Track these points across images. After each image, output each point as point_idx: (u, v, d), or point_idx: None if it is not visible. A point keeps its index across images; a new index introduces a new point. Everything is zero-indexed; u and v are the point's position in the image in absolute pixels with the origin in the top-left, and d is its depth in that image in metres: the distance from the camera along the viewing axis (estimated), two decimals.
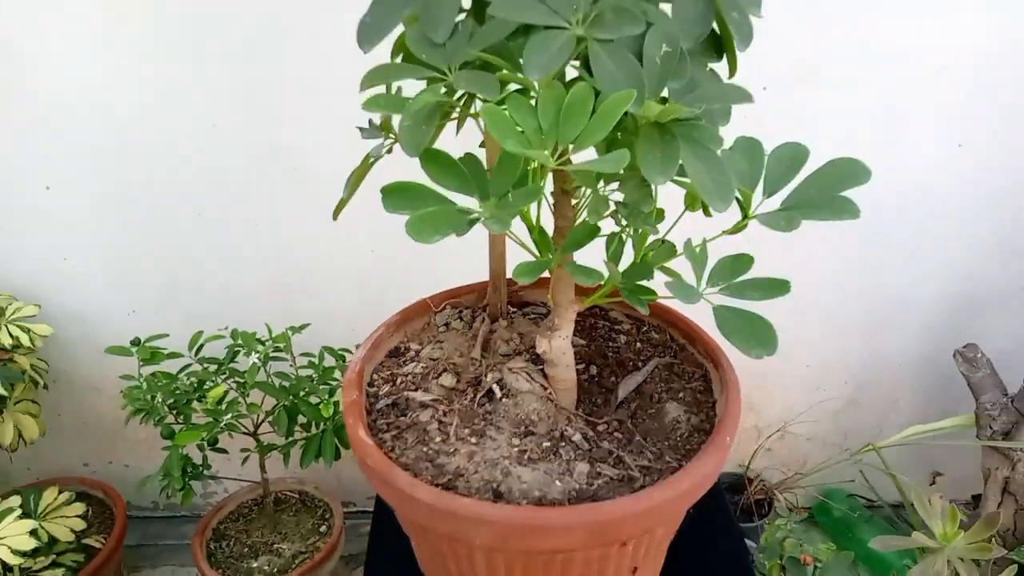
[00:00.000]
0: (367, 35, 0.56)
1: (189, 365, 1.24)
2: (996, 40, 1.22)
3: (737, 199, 0.57)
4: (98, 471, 1.59)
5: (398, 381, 0.65)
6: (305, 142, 1.26)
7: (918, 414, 1.53)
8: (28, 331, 1.26)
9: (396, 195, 0.52)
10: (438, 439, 0.57)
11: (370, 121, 0.69)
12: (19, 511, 1.13)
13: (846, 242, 1.39)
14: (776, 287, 0.54)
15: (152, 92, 1.21)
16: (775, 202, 0.59)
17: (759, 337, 0.51)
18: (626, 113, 0.48)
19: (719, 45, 0.62)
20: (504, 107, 0.48)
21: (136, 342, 1.22)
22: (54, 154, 1.26)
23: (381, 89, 0.57)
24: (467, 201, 0.51)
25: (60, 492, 1.27)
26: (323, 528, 1.38)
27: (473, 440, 0.58)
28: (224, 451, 1.24)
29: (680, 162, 0.49)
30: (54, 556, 1.22)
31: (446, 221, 0.49)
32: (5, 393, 1.23)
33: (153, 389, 1.16)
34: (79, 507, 1.27)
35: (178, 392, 1.18)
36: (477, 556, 0.53)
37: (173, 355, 1.23)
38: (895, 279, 1.42)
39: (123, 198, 1.30)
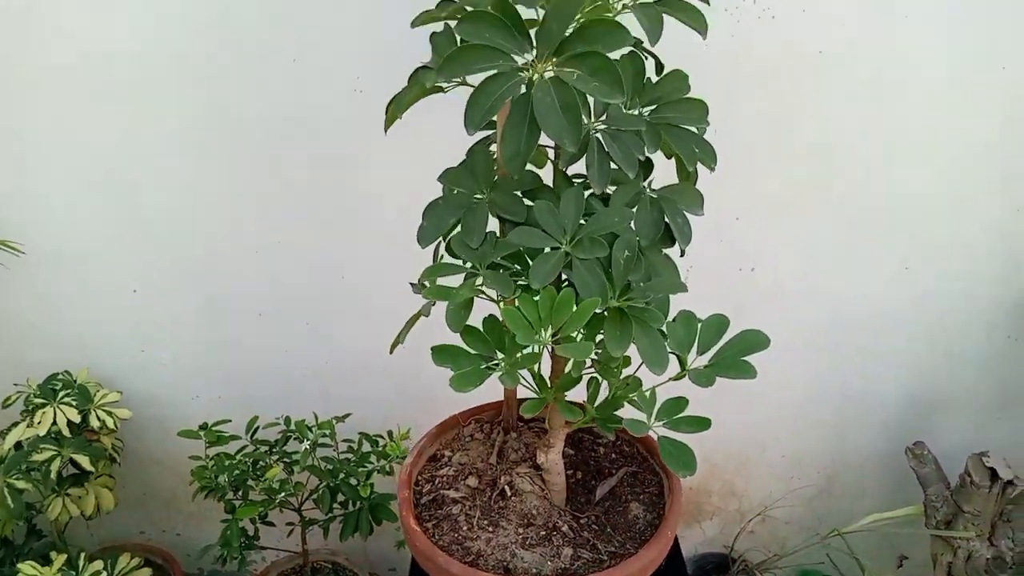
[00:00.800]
0: (424, 236, 0.82)
1: (245, 447, 1.47)
2: (934, 180, 1.46)
3: (677, 356, 0.80)
4: (153, 538, 1.80)
5: (436, 482, 0.88)
6: (353, 256, 1.51)
7: (884, 502, 1.72)
8: (112, 415, 1.50)
9: (442, 353, 0.76)
10: (465, 528, 0.81)
11: (420, 282, 0.94)
12: (104, 573, 1.35)
13: (816, 351, 1.62)
14: (700, 423, 0.77)
15: (230, 213, 1.48)
16: (706, 358, 0.83)
17: (684, 461, 0.74)
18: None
19: (671, 238, 0.86)
20: (516, 304, 0.73)
21: (204, 426, 1.46)
22: (144, 263, 1.52)
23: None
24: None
25: (132, 558, 1.49)
26: None
27: (490, 529, 0.81)
28: (272, 524, 1.47)
29: (631, 338, 0.73)
30: None
31: (477, 377, 0.73)
32: (91, 469, 1.46)
33: (219, 470, 1.39)
34: (147, 572, 1.49)
35: (238, 472, 1.40)
36: None
37: (234, 437, 1.47)
38: (857, 382, 1.64)
39: (197, 300, 1.56)
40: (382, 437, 1.49)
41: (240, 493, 1.41)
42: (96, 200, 1.47)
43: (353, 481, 1.40)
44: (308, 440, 1.39)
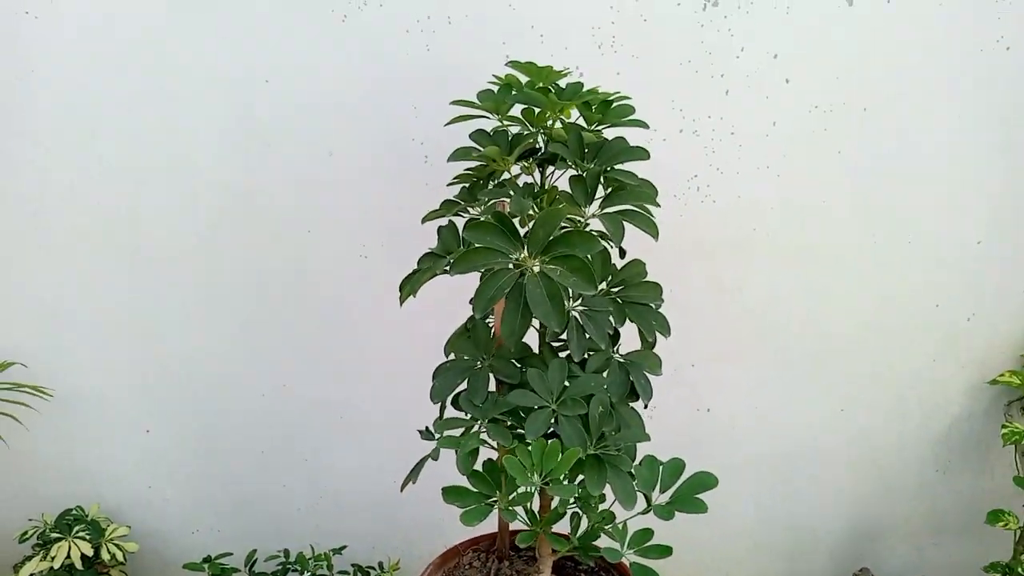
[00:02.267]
0: (436, 394, 1.04)
1: None
2: (858, 333, 1.74)
3: (644, 495, 1.02)
4: None
5: None
6: (350, 397, 1.72)
7: None
8: (121, 548, 1.64)
9: (452, 493, 0.97)
10: None
11: (427, 428, 1.15)
12: None
13: (765, 481, 1.83)
14: (664, 551, 0.97)
15: (241, 360, 1.69)
16: (667, 495, 1.04)
17: None
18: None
19: (636, 394, 1.09)
20: (514, 453, 0.94)
21: (207, 559, 1.60)
22: (158, 404, 1.70)
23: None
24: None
25: None
26: None
27: None
28: None
29: (606, 480, 0.95)
30: None
31: (482, 513, 0.94)
32: None
33: None
34: None
35: None
36: None
37: (234, 570, 1.61)
38: (803, 511, 1.86)
39: (204, 439, 1.74)
40: (373, 568, 1.64)
41: None
42: (118, 349, 1.67)
43: None
44: (308, 572, 1.54)
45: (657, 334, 1.14)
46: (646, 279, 1.17)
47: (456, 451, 0.96)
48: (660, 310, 1.16)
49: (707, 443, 1.79)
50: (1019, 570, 1.53)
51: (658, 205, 1.15)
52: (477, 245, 0.99)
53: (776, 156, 1.62)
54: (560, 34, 1.53)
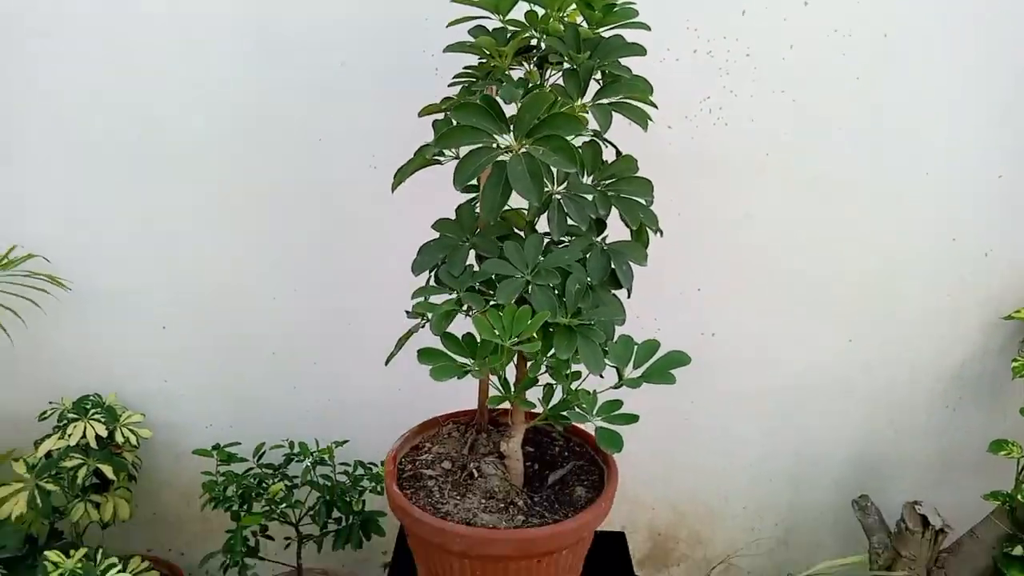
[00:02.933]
0: (417, 267, 1.10)
1: (251, 468, 1.70)
2: (871, 265, 1.74)
3: (616, 369, 1.06)
4: (158, 556, 2.00)
5: (416, 463, 1.13)
6: (359, 306, 1.79)
7: (839, 552, 1.92)
8: (135, 433, 1.75)
9: (426, 355, 1.03)
10: (437, 496, 1.05)
11: (413, 308, 1.21)
12: (119, 565, 1.56)
13: (771, 411, 1.86)
14: (629, 418, 1.02)
15: (254, 264, 1.77)
16: (640, 372, 1.09)
17: (614, 442, 0.99)
18: (549, 321, 0.99)
19: (617, 281, 1.13)
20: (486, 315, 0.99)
21: (216, 446, 1.70)
22: (174, 303, 1.80)
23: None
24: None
25: (142, 561, 1.70)
26: None
27: (458, 498, 1.05)
28: (271, 538, 1.69)
29: (576, 347, 1.00)
30: None
31: (453, 369, 0.99)
32: (113, 479, 1.70)
33: (228, 482, 1.62)
34: (155, 574, 1.70)
35: (245, 486, 1.64)
36: (454, 560, 0.99)
37: (242, 459, 1.71)
38: (809, 442, 1.88)
39: (218, 338, 1.83)
40: (375, 465, 1.72)
41: (245, 506, 1.63)
42: (137, 247, 1.76)
43: (348, 498, 1.63)
44: (309, 459, 1.63)
45: (649, 232, 1.17)
46: (637, 175, 1.19)
47: (430, 315, 1.02)
48: (651, 207, 1.19)
49: (711, 369, 1.82)
50: (1019, 497, 1.54)
51: (653, 105, 1.18)
52: (462, 124, 1.04)
53: (792, 80, 1.63)
54: None
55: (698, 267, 1.76)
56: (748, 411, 1.86)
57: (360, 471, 1.69)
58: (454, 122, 1.05)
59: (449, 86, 1.32)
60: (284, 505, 1.61)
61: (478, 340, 1.03)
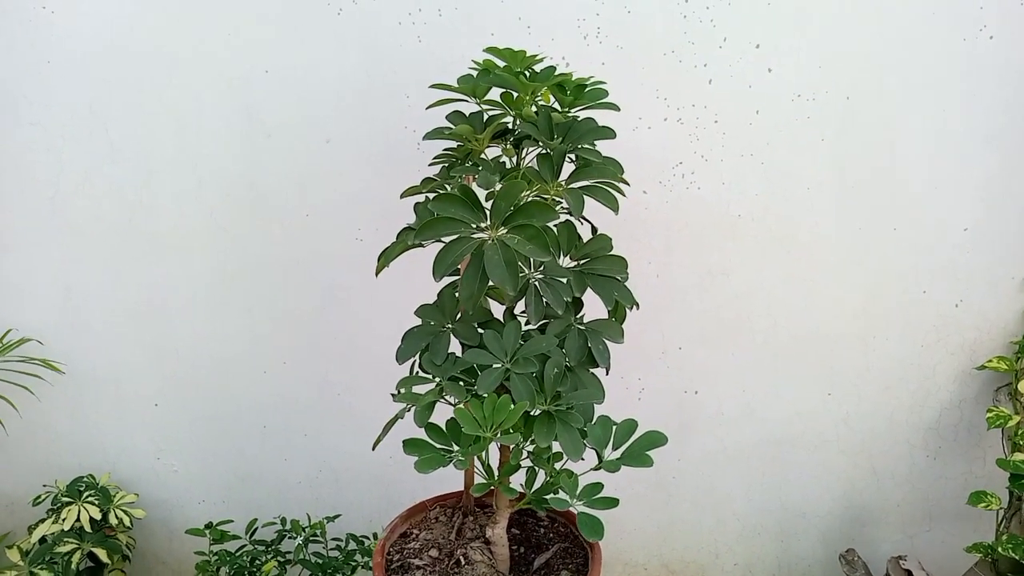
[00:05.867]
0: (401, 355, 1.10)
1: (245, 546, 1.68)
2: (845, 321, 1.75)
3: (596, 451, 1.07)
4: None
5: (404, 552, 1.12)
6: (348, 377, 1.79)
7: None
8: (128, 514, 1.73)
9: (412, 446, 1.03)
10: None
11: (396, 392, 1.21)
12: None
13: (755, 466, 1.85)
14: (609, 502, 1.02)
15: (245, 339, 1.77)
16: (618, 453, 1.09)
17: (595, 529, 0.98)
18: (527, 411, 0.99)
19: (594, 360, 1.14)
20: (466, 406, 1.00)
21: (209, 525, 1.68)
22: (166, 381, 1.80)
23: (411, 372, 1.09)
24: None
25: None
26: None
27: None
28: None
29: (555, 434, 1.00)
30: None
31: (437, 461, 0.99)
32: (108, 562, 1.67)
33: (222, 561, 1.60)
34: None
35: (237, 566, 1.62)
36: None
37: (235, 536, 1.69)
38: (794, 495, 1.87)
39: (210, 414, 1.82)
40: (367, 538, 1.70)
41: None
42: (130, 328, 1.77)
43: (339, 575, 1.61)
44: (301, 536, 1.61)
45: (626, 308, 1.19)
46: (611, 252, 1.21)
47: (414, 407, 1.02)
48: (627, 284, 1.20)
49: (695, 427, 1.82)
50: (999, 549, 1.53)
51: (625, 182, 1.20)
52: (442, 215, 1.05)
53: (760, 144, 1.66)
54: (547, 26, 1.58)
55: (678, 326, 1.77)
56: (733, 467, 1.86)
57: (352, 545, 1.68)
58: (435, 213, 1.07)
59: (430, 165, 1.34)
60: None
61: (461, 428, 1.03)
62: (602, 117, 1.23)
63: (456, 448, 1.01)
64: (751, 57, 1.60)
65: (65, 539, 1.64)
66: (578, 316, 1.17)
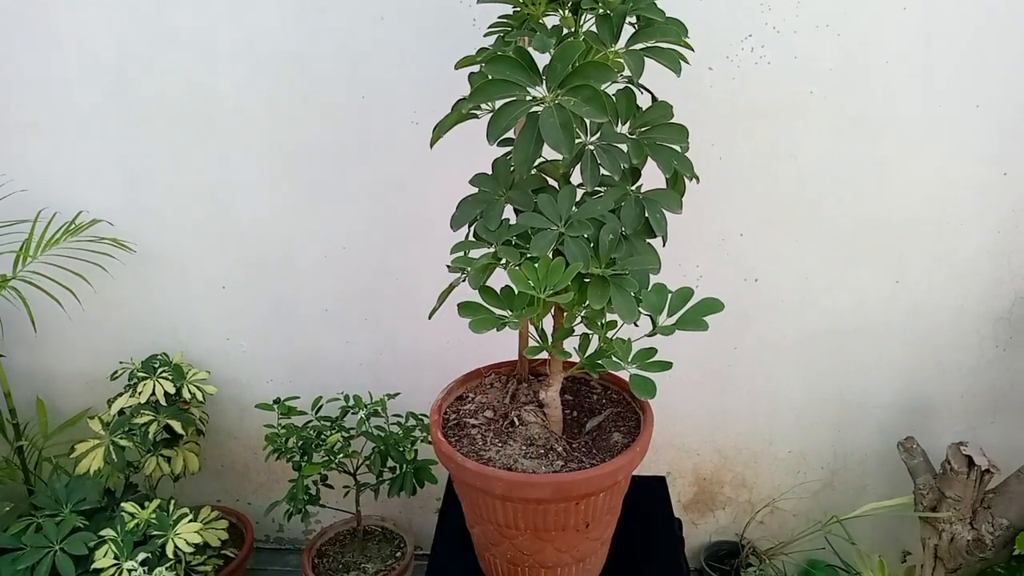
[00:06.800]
0: (456, 222, 1.10)
1: (310, 421, 1.75)
2: (918, 206, 1.67)
3: (651, 317, 1.06)
4: (227, 506, 2.09)
5: (460, 412, 1.15)
6: (406, 262, 1.80)
7: (884, 495, 1.90)
8: (201, 389, 1.81)
9: (465, 308, 1.03)
10: (480, 443, 1.07)
11: (452, 263, 1.21)
12: (191, 515, 1.63)
13: (815, 356, 1.82)
14: (663, 365, 1.01)
15: (305, 224, 1.79)
16: (674, 319, 1.07)
17: (647, 389, 0.98)
18: (582, 272, 0.98)
19: (652, 230, 1.11)
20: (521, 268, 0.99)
21: (277, 400, 1.75)
22: (232, 264, 1.84)
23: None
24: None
25: (212, 511, 1.78)
26: (398, 554, 1.84)
27: (500, 445, 1.06)
28: (331, 486, 1.75)
29: (609, 297, 0.99)
30: (206, 556, 1.72)
31: (491, 322, 1.00)
32: (182, 433, 1.77)
33: (290, 434, 1.67)
34: (224, 523, 1.78)
35: (305, 438, 1.69)
36: (496, 503, 1.01)
37: (301, 412, 1.76)
38: (854, 386, 1.84)
39: (274, 297, 1.87)
40: (426, 416, 1.75)
41: (305, 457, 1.69)
42: (196, 211, 1.80)
43: (400, 448, 1.67)
44: (364, 411, 1.67)
45: (686, 180, 1.15)
46: (672, 121, 1.16)
47: (469, 271, 1.02)
48: (687, 154, 1.16)
49: (755, 314, 1.80)
50: None
51: (689, 47, 1.14)
52: (495, 78, 1.02)
53: (837, 13, 1.56)
54: None
55: (740, 212, 1.72)
56: (792, 356, 1.83)
57: (412, 422, 1.73)
58: (488, 76, 1.04)
59: (485, 36, 1.30)
60: (341, 455, 1.65)
61: (515, 292, 1.03)
62: None
63: (510, 312, 1.01)
64: None
65: (142, 411, 1.73)
66: (635, 185, 1.15)
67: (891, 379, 1.83)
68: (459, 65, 1.27)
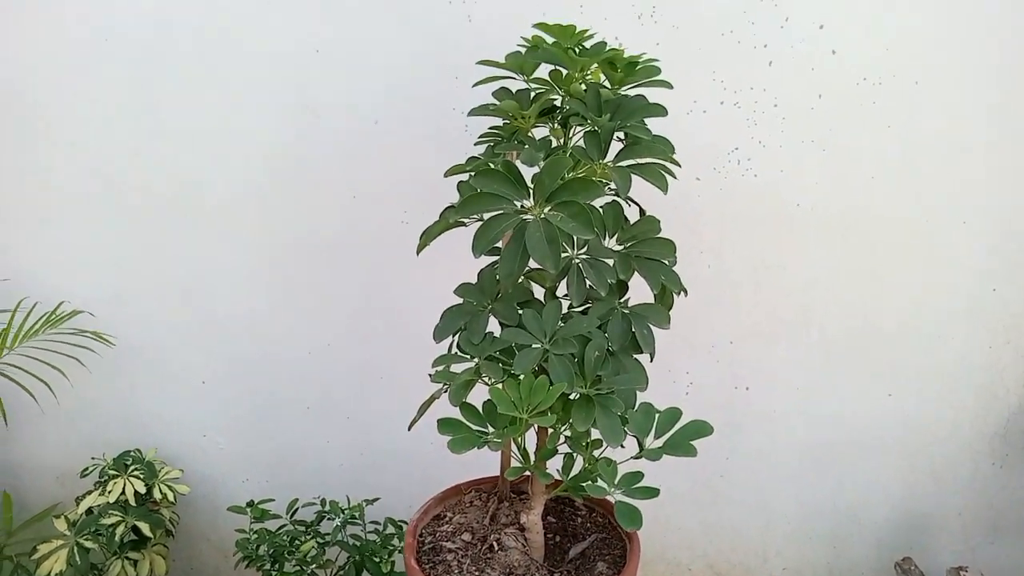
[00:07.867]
0: (439, 333, 1.07)
1: (285, 525, 1.68)
2: (909, 317, 1.66)
3: (636, 438, 1.02)
4: None
5: (436, 535, 1.09)
6: (392, 366, 1.77)
7: None
8: (173, 489, 1.74)
9: (445, 425, 1.00)
10: (456, 571, 1.01)
11: (434, 376, 1.18)
12: None
13: (808, 468, 1.77)
14: (649, 492, 0.97)
15: (290, 319, 1.76)
16: (661, 441, 1.04)
17: (633, 519, 0.94)
18: (566, 392, 0.95)
19: (638, 346, 1.09)
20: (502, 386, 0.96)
21: (251, 503, 1.68)
22: (212, 359, 1.80)
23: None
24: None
25: None
26: None
27: (477, 573, 1.01)
28: None
29: (594, 418, 0.96)
30: None
31: (471, 441, 0.96)
32: (151, 536, 1.69)
33: (261, 540, 1.60)
34: None
35: (277, 544, 1.61)
36: None
37: (276, 516, 1.68)
38: (849, 500, 1.79)
39: (255, 393, 1.83)
40: (405, 523, 1.68)
41: (277, 565, 1.61)
42: (178, 305, 1.78)
43: (376, 559, 1.59)
44: (340, 518, 1.60)
45: (674, 294, 1.13)
46: (659, 235, 1.16)
47: (449, 385, 0.99)
48: (674, 268, 1.15)
49: (744, 424, 1.75)
50: None
51: (675, 163, 1.15)
52: (484, 191, 1.02)
53: (822, 130, 1.58)
54: (600, 4, 1.54)
55: (730, 319, 1.70)
56: (784, 467, 1.78)
57: (390, 529, 1.66)
58: (476, 189, 1.04)
59: (475, 144, 1.31)
60: (315, 565, 1.57)
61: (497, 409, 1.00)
62: (654, 98, 1.17)
63: (491, 430, 0.98)
64: (814, 38, 1.52)
65: (111, 511, 1.66)
66: (622, 300, 1.13)
67: (888, 493, 1.78)
68: (448, 173, 1.27)
